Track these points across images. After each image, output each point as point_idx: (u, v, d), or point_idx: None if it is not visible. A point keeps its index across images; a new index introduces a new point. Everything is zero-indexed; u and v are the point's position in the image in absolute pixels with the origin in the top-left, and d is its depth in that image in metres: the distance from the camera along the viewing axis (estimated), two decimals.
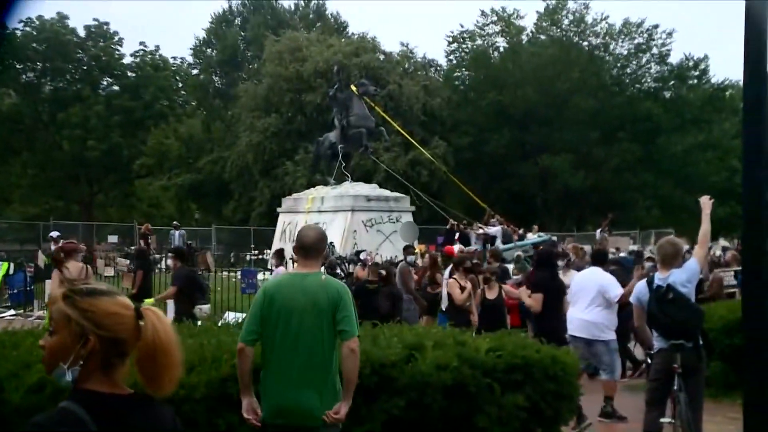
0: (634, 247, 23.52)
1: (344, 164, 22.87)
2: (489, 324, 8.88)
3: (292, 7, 47.86)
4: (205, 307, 11.08)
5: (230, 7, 47.57)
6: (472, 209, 27.38)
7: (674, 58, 40.71)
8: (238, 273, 16.56)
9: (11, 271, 18.23)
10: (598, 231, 25.56)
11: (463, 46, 42.88)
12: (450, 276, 10.54)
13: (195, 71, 48.70)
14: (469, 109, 39.71)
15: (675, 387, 6.02)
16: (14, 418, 4.10)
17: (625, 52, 40.94)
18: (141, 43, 44.35)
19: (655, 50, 40.32)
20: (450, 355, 5.11)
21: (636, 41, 40.44)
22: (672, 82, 41.10)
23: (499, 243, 20.77)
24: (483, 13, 41.95)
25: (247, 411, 4.29)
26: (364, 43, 39.02)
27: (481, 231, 21.78)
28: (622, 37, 40.56)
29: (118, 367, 2.03)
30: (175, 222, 30.23)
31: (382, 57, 38.59)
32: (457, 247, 16.41)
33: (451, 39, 42.67)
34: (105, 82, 43.81)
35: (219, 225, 35.20)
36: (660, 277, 6.17)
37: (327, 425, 4.21)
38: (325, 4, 48.22)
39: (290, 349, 4.24)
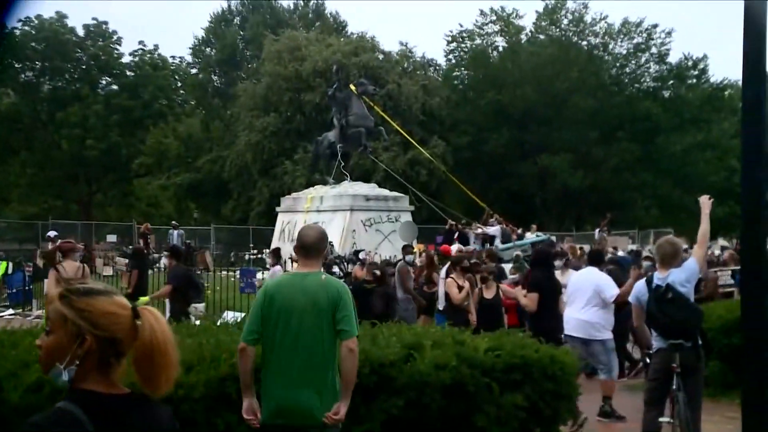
0: (633, 247, 23.53)
1: (343, 164, 22.88)
2: (486, 323, 8.90)
3: (291, 7, 47.93)
4: (200, 306, 11.07)
5: (229, 6, 47.66)
6: (471, 209, 27.39)
7: (673, 58, 40.82)
8: (237, 272, 16.56)
9: (10, 271, 18.23)
10: (597, 230, 25.61)
11: (462, 45, 42.90)
12: (447, 275, 10.55)
13: (194, 70, 48.70)
14: (468, 109, 39.72)
15: (674, 386, 6.02)
16: (13, 417, 4.09)
17: (624, 52, 40.96)
18: (140, 43, 44.24)
19: (654, 50, 40.36)
20: (449, 354, 5.11)
21: (635, 41, 40.46)
22: (671, 81, 41.12)
23: (498, 242, 20.80)
24: (482, 13, 42.04)
25: (247, 412, 4.29)
26: (363, 43, 39.02)
27: (479, 230, 21.80)
28: (621, 36, 40.59)
29: (115, 367, 2.02)
30: (173, 222, 30.23)
31: (381, 56, 38.61)
32: (455, 247, 16.42)
33: (450, 38, 42.73)
34: (104, 82, 43.78)
35: (218, 224, 35.19)
36: (659, 277, 6.17)
37: (327, 426, 4.22)
38: (324, 3, 48.32)
39: (290, 348, 4.24)
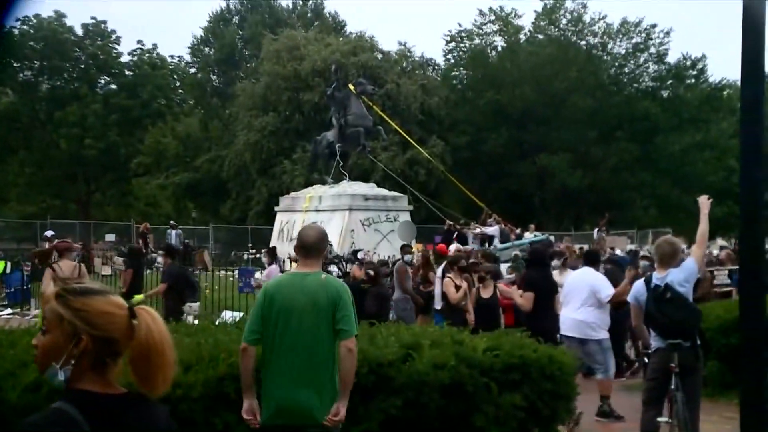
0: (632, 247, 23.55)
1: (342, 163, 22.86)
2: (483, 323, 8.90)
3: (290, 6, 47.88)
4: (195, 305, 11.08)
5: (228, 5, 47.60)
6: (469, 208, 27.40)
7: (672, 58, 40.86)
8: (236, 272, 16.56)
9: (8, 270, 18.20)
10: (596, 230, 25.60)
11: (461, 45, 42.90)
12: (443, 275, 10.56)
13: (193, 70, 48.66)
14: (467, 109, 39.72)
15: (672, 386, 6.02)
16: (11, 416, 4.09)
17: (623, 52, 40.98)
18: (138, 42, 44.18)
19: (652, 50, 40.39)
20: (447, 354, 5.11)
21: (634, 41, 40.49)
22: (670, 81, 41.15)
23: (497, 242, 20.81)
24: (481, 13, 42.03)
25: (247, 412, 4.30)
26: (362, 42, 39.01)
27: (478, 230, 21.80)
28: (620, 36, 40.61)
29: (111, 367, 2.02)
30: (171, 221, 30.21)
31: (379, 56, 38.60)
32: (453, 246, 16.41)
33: (449, 38, 42.74)
34: (102, 81, 43.75)
35: (216, 224, 35.19)
36: (658, 277, 6.18)
37: (328, 428, 4.23)
38: (323, 3, 48.29)
39: (290, 348, 4.25)
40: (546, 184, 38.25)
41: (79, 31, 41.82)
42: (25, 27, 38.89)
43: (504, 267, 14.19)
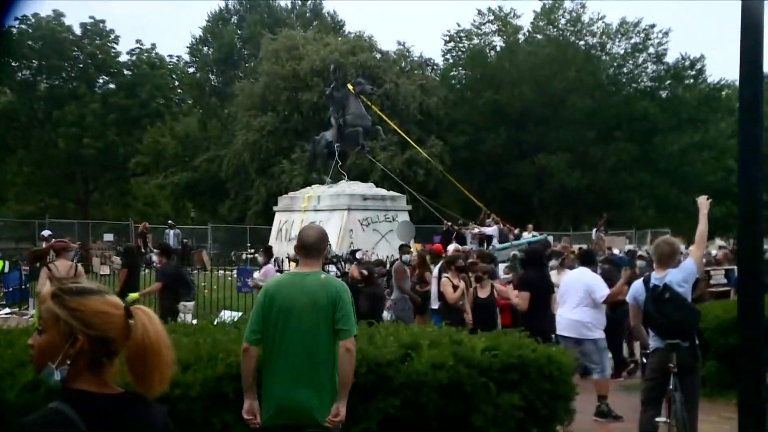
0: (630, 247, 23.57)
1: (341, 163, 22.84)
2: (480, 323, 8.92)
3: (289, 6, 47.82)
4: (189, 304, 11.08)
5: (227, 5, 47.52)
6: (468, 208, 27.40)
7: (670, 58, 40.86)
8: (234, 272, 16.55)
9: (6, 269, 18.19)
10: (594, 230, 25.63)
11: (460, 45, 42.89)
12: (439, 274, 10.56)
13: (191, 69, 48.59)
14: (466, 108, 39.72)
15: (671, 386, 6.02)
16: (9, 416, 4.09)
17: (622, 52, 40.99)
18: (137, 42, 44.14)
19: (651, 50, 40.40)
20: (446, 354, 5.11)
21: (632, 41, 40.49)
22: (668, 81, 41.16)
23: (495, 242, 20.81)
24: (480, 13, 42.02)
25: (248, 412, 4.31)
26: (361, 42, 38.98)
27: (476, 230, 21.81)
28: (619, 36, 40.61)
29: (108, 367, 2.01)
30: (170, 221, 30.19)
31: (378, 56, 38.57)
32: (452, 246, 16.41)
33: (447, 38, 42.72)
34: (101, 80, 43.68)
35: (215, 223, 35.17)
36: (656, 277, 6.18)
37: (329, 428, 4.24)
38: (322, 2, 48.22)
39: (290, 348, 4.26)
40: (544, 184, 38.26)
41: (78, 31, 41.79)
42: (23, 26, 38.83)
43: (502, 267, 14.19)
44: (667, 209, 38.66)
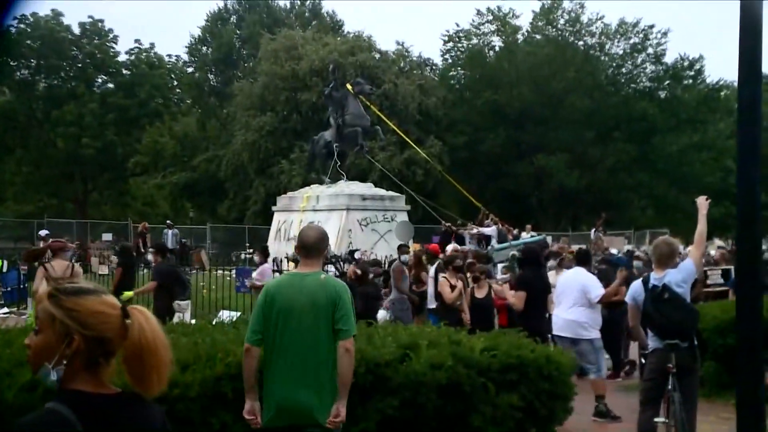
0: (629, 247, 23.58)
1: (339, 163, 22.82)
2: (478, 323, 8.91)
3: (288, 6, 47.81)
4: (183, 303, 11.08)
5: (226, 5, 47.50)
6: (467, 208, 27.38)
7: (669, 58, 40.87)
8: (233, 271, 16.53)
9: (5, 269, 18.18)
10: (593, 231, 25.62)
11: (459, 45, 42.90)
12: (435, 274, 10.55)
13: (190, 69, 48.58)
14: (465, 109, 39.73)
15: (669, 387, 6.02)
16: (7, 416, 4.08)
17: (621, 52, 41.01)
18: (136, 41, 44.12)
19: (650, 50, 40.41)
20: (444, 354, 5.11)
21: (631, 41, 40.52)
22: (667, 82, 41.18)
23: (494, 243, 20.80)
24: (479, 13, 42.03)
25: (249, 413, 4.31)
26: (360, 42, 38.98)
27: (475, 231, 21.80)
28: (618, 37, 40.63)
29: (104, 367, 2.01)
30: (168, 221, 30.19)
31: (377, 56, 38.56)
32: (451, 247, 16.40)
33: (446, 38, 42.72)
34: (100, 80, 43.70)
35: (214, 223, 35.17)
36: (655, 277, 6.18)
37: (330, 429, 4.25)
38: (321, 2, 48.22)
39: (290, 348, 4.27)
40: (543, 185, 38.28)
41: (77, 30, 41.80)
42: (22, 26, 38.82)
43: (500, 267, 14.19)
44: (665, 209, 38.69)
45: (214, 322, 7.04)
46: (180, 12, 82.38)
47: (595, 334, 8.44)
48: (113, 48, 42.96)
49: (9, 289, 17.82)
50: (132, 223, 31.39)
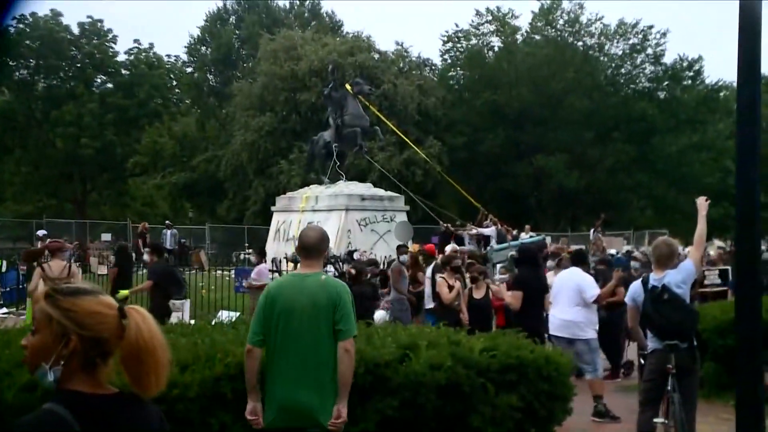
0: (628, 248, 23.59)
1: (339, 163, 22.83)
2: (476, 323, 8.91)
3: (287, 6, 47.81)
4: (178, 303, 11.08)
5: (225, 5, 47.48)
6: (466, 209, 27.39)
7: (669, 59, 40.88)
8: (232, 272, 16.54)
9: (4, 269, 18.17)
10: (592, 231, 25.63)
11: (458, 45, 42.89)
12: (432, 275, 10.54)
13: (189, 69, 48.56)
14: (464, 109, 39.72)
15: (669, 387, 6.02)
16: (7, 416, 4.08)
17: (620, 53, 41.01)
18: (135, 41, 44.10)
19: (649, 51, 40.40)
20: (444, 354, 5.11)
21: (630, 42, 40.51)
22: (666, 82, 41.18)
23: (493, 243, 20.80)
24: (478, 13, 42.01)
25: (250, 413, 4.32)
26: (359, 43, 38.97)
27: (474, 231, 21.80)
28: (617, 37, 40.63)
29: (101, 367, 2.01)
30: (167, 221, 30.18)
31: (376, 56, 38.54)
32: (450, 247, 16.40)
33: (445, 38, 42.70)
34: (99, 80, 43.64)
35: (213, 224, 35.15)
36: (655, 278, 6.18)
37: (331, 430, 4.25)
38: (320, 3, 48.22)
39: (290, 349, 4.27)
40: (543, 185, 38.28)
41: (76, 30, 41.72)
42: (21, 26, 38.77)
43: (499, 267, 14.19)
44: (664, 210, 38.69)
45: (213, 323, 7.03)
46: (179, 12, 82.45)
47: (591, 334, 8.44)
48: (112, 48, 42.91)
49: (8, 289, 17.80)
50: (131, 223, 31.36)
